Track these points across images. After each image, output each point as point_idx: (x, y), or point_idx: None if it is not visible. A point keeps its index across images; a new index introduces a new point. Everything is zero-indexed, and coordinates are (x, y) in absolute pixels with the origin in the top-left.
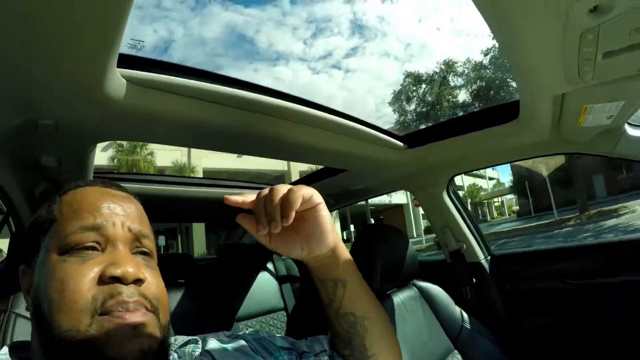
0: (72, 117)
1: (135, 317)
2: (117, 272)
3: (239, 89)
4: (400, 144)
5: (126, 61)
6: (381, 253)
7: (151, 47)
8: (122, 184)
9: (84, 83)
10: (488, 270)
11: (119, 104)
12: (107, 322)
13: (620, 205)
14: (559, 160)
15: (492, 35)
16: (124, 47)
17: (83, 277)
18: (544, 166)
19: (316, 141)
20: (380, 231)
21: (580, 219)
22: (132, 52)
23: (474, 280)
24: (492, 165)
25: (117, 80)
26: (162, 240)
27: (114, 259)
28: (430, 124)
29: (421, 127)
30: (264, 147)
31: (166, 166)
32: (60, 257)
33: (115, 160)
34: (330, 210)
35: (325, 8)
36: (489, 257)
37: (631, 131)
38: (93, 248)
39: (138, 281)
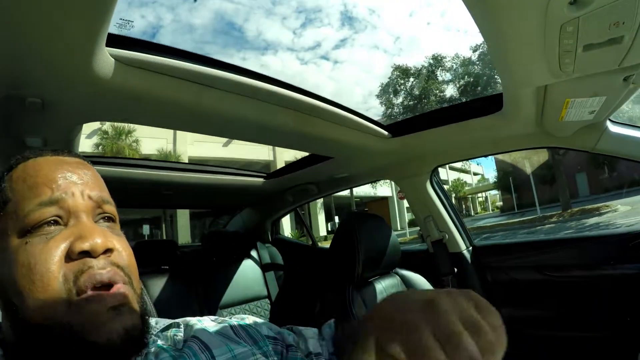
0: (60, 95)
1: (114, 293)
2: (85, 245)
3: (227, 71)
4: (385, 132)
5: (115, 40)
6: (363, 241)
7: (139, 33)
8: (108, 168)
9: (73, 61)
10: (469, 261)
11: (107, 82)
12: (85, 304)
13: (602, 204)
14: (543, 157)
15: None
16: (113, 26)
17: (49, 258)
18: (528, 162)
19: (303, 127)
20: (362, 219)
21: (563, 217)
22: (121, 32)
23: (456, 270)
24: (475, 157)
25: (106, 58)
26: (146, 229)
27: (79, 232)
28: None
29: (404, 117)
30: (250, 131)
31: (151, 154)
32: (21, 240)
33: (100, 147)
34: (315, 199)
35: None
36: (470, 248)
37: (613, 128)
38: (55, 223)
39: (108, 251)
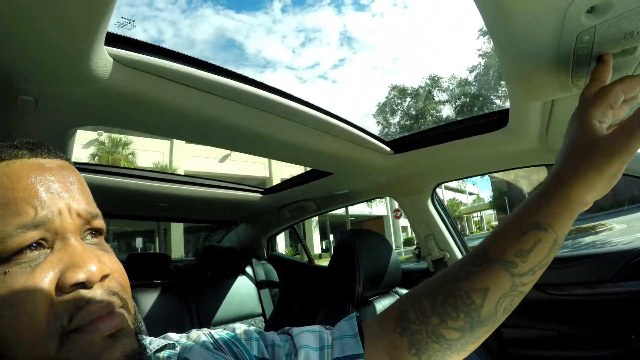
0: (54, 94)
1: (110, 323)
2: (80, 277)
3: (229, 79)
4: (388, 148)
5: (115, 40)
6: (363, 259)
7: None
8: (102, 177)
9: (69, 58)
10: None
11: (104, 83)
12: (80, 339)
13: (598, 222)
14: (543, 175)
15: (478, 52)
16: (113, 25)
17: (37, 293)
18: (527, 181)
19: (304, 140)
20: (363, 237)
21: None
22: (122, 32)
23: None
24: (478, 174)
25: (104, 58)
26: (139, 242)
27: (70, 260)
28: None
29: (406, 134)
30: (250, 142)
31: (147, 167)
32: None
33: (96, 158)
34: (313, 216)
35: (316, 18)
36: None
37: None
38: (38, 246)
39: (103, 277)
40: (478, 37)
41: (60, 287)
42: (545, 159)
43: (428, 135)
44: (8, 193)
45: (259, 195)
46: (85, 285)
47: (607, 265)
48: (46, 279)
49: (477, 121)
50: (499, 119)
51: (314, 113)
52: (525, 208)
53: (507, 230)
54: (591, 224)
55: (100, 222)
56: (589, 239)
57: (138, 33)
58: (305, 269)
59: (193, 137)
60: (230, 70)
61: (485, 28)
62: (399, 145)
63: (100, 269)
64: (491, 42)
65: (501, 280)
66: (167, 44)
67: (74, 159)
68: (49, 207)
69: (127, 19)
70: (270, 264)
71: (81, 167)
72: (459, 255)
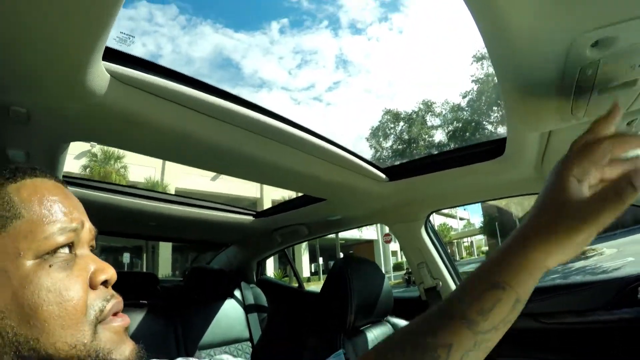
0: (47, 107)
1: (125, 319)
2: (106, 276)
3: (227, 100)
4: (383, 175)
5: (113, 55)
6: (356, 287)
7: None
8: (93, 192)
9: (65, 72)
10: None
11: (100, 99)
12: (108, 329)
13: (588, 247)
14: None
15: (472, 77)
16: (112, 40)
17: (78, 285)
18: (520, 207)
19: (299, 165)
20: (355, 264)
21: None
22: (121, 48)
23: None
24: (472, 202)
25: (101, 73)
26: (127, 257)
27: (95, 264)
28: (408, 160)
29: (405, 161)
30: (244, 166)
31: (138, 182)
32: (39, 263)
33: (87, 170)
34: (304, 240)
35: (313, 40)
36: None
37: None
38: (69, 248)
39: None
40: (472, 63)
41: (91, 284)
42: (540, 188)
43: (424, 163)
44: (49, 202)
45: (250, 218)
46: (107, 283)
47: (600, 293)
48: (82, 276)
49: (473, 150)
50: (495, 147)
51: (310, 138)
52: (487, 265)
53: (468, 287)
54: None
55: (94, 241)
56: (579, 263)
57: (137, 48)
58: (295, 294)
59: (186, 159)
60: (228, 92)
61: (478, 54)
62: (394, 172)
63: (115, 274)
64: (484, 68)
65: (464, 337)
66: (165, 60)
67: (65, 169)
68: (77, 220)
69: (127, 35)
70: (260, 287)
71: (72, 181)
72: (452, 284)
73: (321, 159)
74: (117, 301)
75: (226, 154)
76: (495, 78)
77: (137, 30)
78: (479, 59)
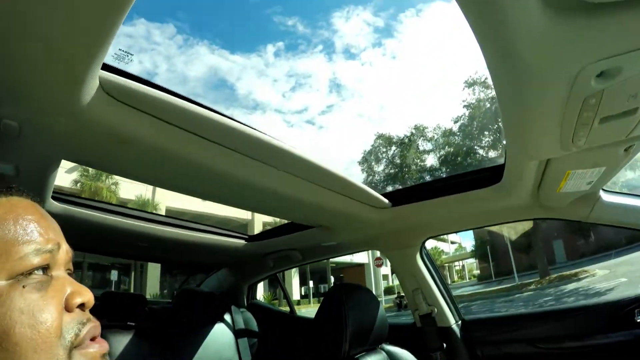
0: (40, 123)
1: (103, 345)
2: (82, 299)
3: (222, 122)
4: (380, 202)
5: (110, 72)
6: (352, 315)
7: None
8: (83, 210)
9: (60, 86)
10: (459, 335)
11: (94, 116)
12: (84, 355)
13: (580, 269)
14: (528, 225)
15: (463, 102)
16: (110, 57)
17: (52, 307)
18: (512, 230)
19: (296, 192)
20: (350, 292)
21: (541, 283)
22: (118, 65)
23: (445, 345)
24: (468, 229)
25: (96, 90)
26: (114, 274)
27: (71, 286)
28: (399, 186)
29: (400, 187)
30: (239, 193)
31: (129, 199)
32: (12, 284)
33: (78, 185)
34: (297, 266)
35: (307, 64)
36: (460, 322)
37: (606, 197)
38: (44, 270)
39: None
40: (463, 89)
41: (66, 307)
42: (535, 214)
43: (421, 190)
44: (24, 222)
45: (243, 241)
46: (83, 307)
47: (596, 316)
48: (57, 298)
49: (470, 177)
50: (492, 175)
51: (308, 164)
52: None
53: None
54: (573, 271)
55: (71, 263)
56: (571, 286)
57: (133, 65)
58: (287, 320)
59: (179, 184)
60: (224, 114)
61: (470, 80)
62: (391, 199)
63: (92, 298)
64: (475, 94)
65: None
66: (161, 78)
67: (55, 183)
68: (52, 241)
69: (125, 52)
70: (250, 312)
71: (61, 198)
72: (447, 311)
73: (319, 185)
74: (93, 325)
75: (220, 178)
76: (487, 104)
77: (134, 47)
78: (470, 84)
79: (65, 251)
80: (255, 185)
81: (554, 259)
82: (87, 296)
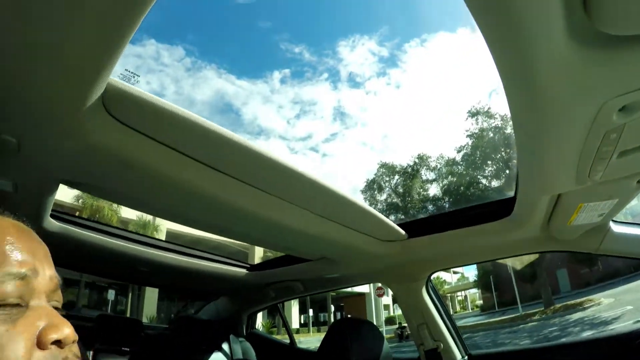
0: (39, 141)
1: None
2: (58, 335)
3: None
4: (392, 233)
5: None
6: (356, 350)
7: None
8: (84, 232)
9: (61, 105)
10: None
11: (96, 139)
12: None
13: (585, 298)
14: (532, 254)
15: (467, 132)
16: (117, 76)
17: (20, 343)
18: (516, 260)
19: (301, 225)
20: (354, 326)
21: (546, 313)
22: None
23: None
24: (475, 263)
25: (100, 111)
26: (112, 294)
27: (48, 319)
28: (402, 216)
29: (405, 219)
30: (243, 225)
31: (130, 219)
32: None
33: (80, 201)
34: (299, 297)
35: (313, 92)
36: (466, 357)
37: (616, 228)
38: (16, 302)
39: (73, 341)
40: (467, 119)
41: (39, 343)
42: (545, 247)
43: (429, 223)
44: None
45: (244, 270)
46: (60, 344)
47: (607, 349)
48: (27, 332)
49: (479, 210)
50: (502, 208)
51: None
52: None
53: None
54: (579, 300)
55: (60, 295)
56: (576, 315)
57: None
58: (287, 351)
59: (179, 214)
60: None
61: (473, 110)
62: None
63: (72, 333)
64: (478, 123)
65: None
66: (168, 100)
67: (57, 197)
68: (28, 265)
69: (132, 72)
70: (249, 342)
71: (62, 218)
72: (454, 346)
73: (326, 218)
74: None
75: (223, 208)
76: (490, 133)
77: (142, 68)
78: (473, 114)
79: (48, 278)
80: (260, 217)
81: (558, 288)
82: (64, 332)
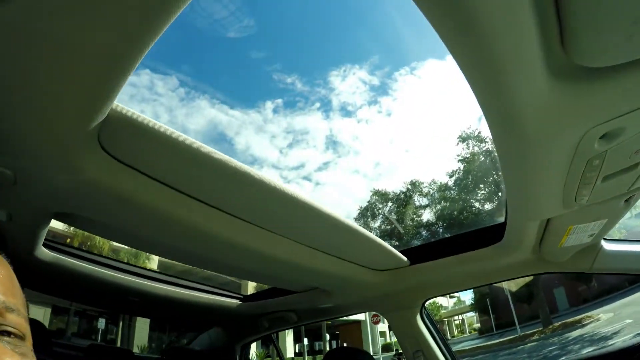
0: (35, 174)
1: None
2: None
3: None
4: (393, 261)
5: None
6: None
7: None
8: (75, 261)
9: (59, 143)
10: None
11: (92, 175)
12: None
13: (584, 315)
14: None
15: (458, 157)
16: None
17: None
18: (512, 282)
19: (297, 258)
20: (349, 357)
21: (544, 333)
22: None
23: None
24: (468, 288)
25: (95, 148)
26: (102, 323)
27: None
28: (396, 242)
29: (402, 248)
30: (236, 261)
31: (122, 247)
32: None
33: (71, 228)
34: (293, 327)
35: (305, 121)
36: None
37: (607, 246)
38: None
39: None
40: (457, 144)
41: None
42: (537, 269)
43: (422, 251)
44: None
45: (237, 301)
46: None
47: None
48: None
49: (471, 237)
50: (493, 234)
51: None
52: None
53: None
54: (577, 317)
55: (16, 319)
56: (575, 333)
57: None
58: None
59: (171, 251)
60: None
61: (464, 135)
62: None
63: None
64: (469, 148)
65: None
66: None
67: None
68: None
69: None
70: None
71: (53, 246)
72: None
73: (316, 249)
74: None
75: (214, 242)
76: (481, 157)
77: (137, 97)
78: (464, 139)
79: None
80: (251, 250)
81: (556, 306)
82: None
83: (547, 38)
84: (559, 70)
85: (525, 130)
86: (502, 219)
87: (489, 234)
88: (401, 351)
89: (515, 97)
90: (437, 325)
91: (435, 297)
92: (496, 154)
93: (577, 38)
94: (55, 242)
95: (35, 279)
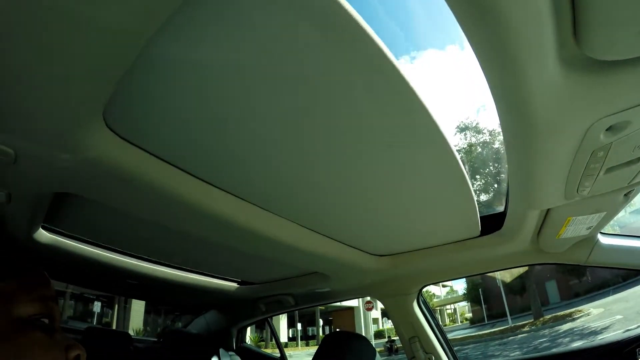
0: (36, 153)
1: None
2: (77, 352)
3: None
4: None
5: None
6: None
7: None
8: (71, 242)
9: (62, 120)
10: None
11: (95, 153)
12: None
13: (574, 309)
14: (523, 267)
15: (456, 147)
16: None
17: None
18: (506, 272)
19: (293, 240)
20: (347, 340)
21: (535, 325)
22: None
23: None
24: (465, 276)
25: (100, 127)
26: (97, 306)
27: (62, 339)
28: None
29: None
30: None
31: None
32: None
33: None
34: (290, 310)
35: None
36: None
37: (603, 239)
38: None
39: None
40: (455, 134)
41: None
42: (533, 260)
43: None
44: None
45: (235, 284)
46: None
47: (598, 358)
48: (57, 349)
49: None
50: (492, 222)
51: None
52: None
53: None
54: (568, 311)
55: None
56: (566, 326)
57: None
58: None
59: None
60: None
61: (462, 125)
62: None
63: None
64: (467, 138)
65: None
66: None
67: None
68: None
69: None
70: (239, 356)
71: (51, 228)
72: (445, 359)
73: (316, 232)
74: None
75: (216, 223)
76: (479, 148)
77: None
78: (462, 129)
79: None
80: (254, 232)
81: (548, 299)
82: (80, 351)
83: (561, 29)
84: (570, 61)
85: (535, 119)
86: (500, 209)
87: (488, 223)
88: (394, 338)
89: (527, 86)
90: (432, 312)
91: (433, 283)
92: (494, 145)
93: (590, 31)
94: (54, 224)
95: (33, 261)
